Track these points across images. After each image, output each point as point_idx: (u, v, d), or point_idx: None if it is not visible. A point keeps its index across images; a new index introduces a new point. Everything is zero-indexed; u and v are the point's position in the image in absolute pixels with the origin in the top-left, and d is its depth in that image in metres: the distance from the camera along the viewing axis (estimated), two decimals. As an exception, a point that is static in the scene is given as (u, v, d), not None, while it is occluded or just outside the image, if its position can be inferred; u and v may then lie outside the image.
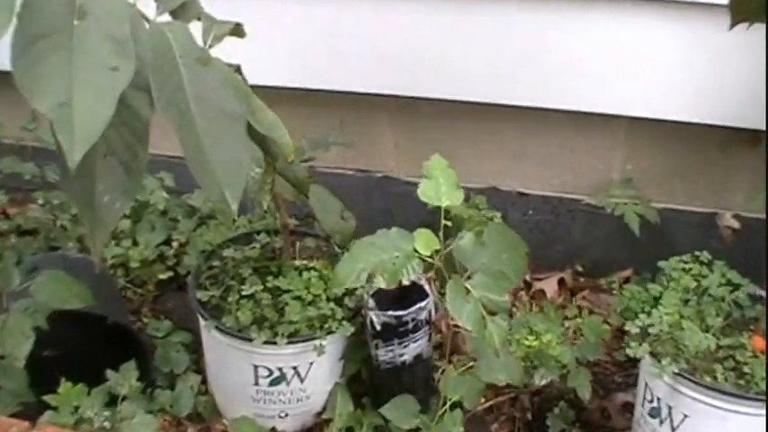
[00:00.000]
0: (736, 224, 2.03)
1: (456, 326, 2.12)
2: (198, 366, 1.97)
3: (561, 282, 2.22)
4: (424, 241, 1.19)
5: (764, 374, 1.55)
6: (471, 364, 1.85)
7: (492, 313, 1.16)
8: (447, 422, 1.53)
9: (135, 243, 2.15)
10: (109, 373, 1.66)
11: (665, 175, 2.08)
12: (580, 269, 2.26)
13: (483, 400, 1.86)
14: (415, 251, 1.18)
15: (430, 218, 2.27)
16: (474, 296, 1.17)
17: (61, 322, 1.60)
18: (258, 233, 1.94)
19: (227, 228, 2.16)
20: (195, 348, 2.01)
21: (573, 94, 1.97)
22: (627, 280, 2.19)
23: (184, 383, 1.87)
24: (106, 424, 1.49)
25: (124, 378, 1.63)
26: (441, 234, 1.22)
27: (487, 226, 1.23)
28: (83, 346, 1.86)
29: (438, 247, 1.22)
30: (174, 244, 2.18)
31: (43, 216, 2.20)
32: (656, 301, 1.97)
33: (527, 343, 1.57)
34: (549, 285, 2.21)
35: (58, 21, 0.96)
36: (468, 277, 1.22)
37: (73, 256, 1.97)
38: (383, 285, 1.16)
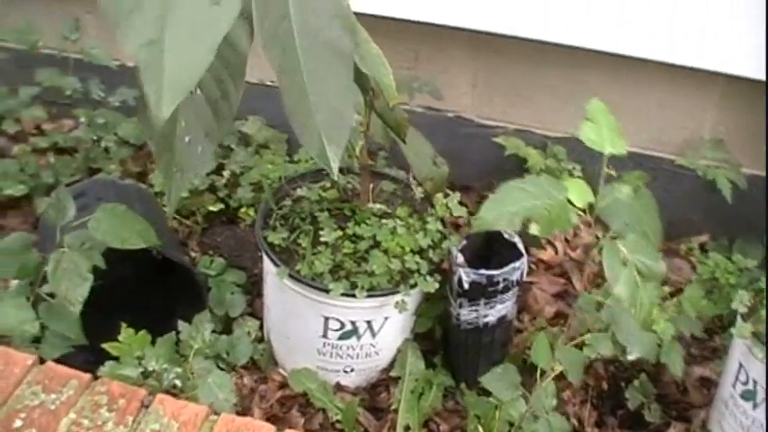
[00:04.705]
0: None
1: (530, 282, 2.00)
2: (252, 309, 1.84)
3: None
4: (578, 192, 1.06)
5: None
6: (554, 329, 1.73)
7: (645, 280, 1.03)
8: (541, 393, 1.42)
9: (183, 171, 1.99)
10: (181, 324, 1.50)
11: (755, 140, 1.95)
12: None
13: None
14: (569, 202, 1.05)
15: (502, 164, 2.14)
16: (629, 260, 1.04)
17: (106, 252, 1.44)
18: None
19: (282, 159, 2.00)
20: (248, 289, 1.88)
21: (675, 45, 1.81)
22: (702, 246, 2.08)
23: (241, 329, 1.73)
24: (177, 382, 1.32)
25: (197, 330, 1.46)
26: (601, 186, 1.08)
27: (639, 181, 1.09)
28: (129, 280, 1.71)
29: (592, 200, 1.08)
30: (226, 173, 2.02)
31: (85, 135, 2.01)
32: (741, 273, 1.88)
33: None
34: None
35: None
36: (615, 237, 1.08)
37: (123, 183, 1.80)
38: (536, 233, 1.02)
